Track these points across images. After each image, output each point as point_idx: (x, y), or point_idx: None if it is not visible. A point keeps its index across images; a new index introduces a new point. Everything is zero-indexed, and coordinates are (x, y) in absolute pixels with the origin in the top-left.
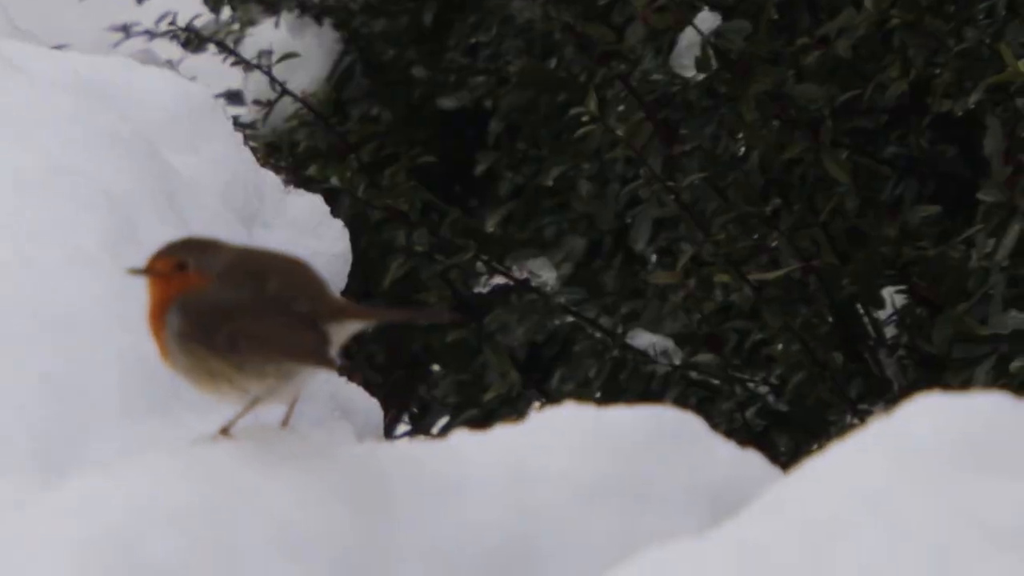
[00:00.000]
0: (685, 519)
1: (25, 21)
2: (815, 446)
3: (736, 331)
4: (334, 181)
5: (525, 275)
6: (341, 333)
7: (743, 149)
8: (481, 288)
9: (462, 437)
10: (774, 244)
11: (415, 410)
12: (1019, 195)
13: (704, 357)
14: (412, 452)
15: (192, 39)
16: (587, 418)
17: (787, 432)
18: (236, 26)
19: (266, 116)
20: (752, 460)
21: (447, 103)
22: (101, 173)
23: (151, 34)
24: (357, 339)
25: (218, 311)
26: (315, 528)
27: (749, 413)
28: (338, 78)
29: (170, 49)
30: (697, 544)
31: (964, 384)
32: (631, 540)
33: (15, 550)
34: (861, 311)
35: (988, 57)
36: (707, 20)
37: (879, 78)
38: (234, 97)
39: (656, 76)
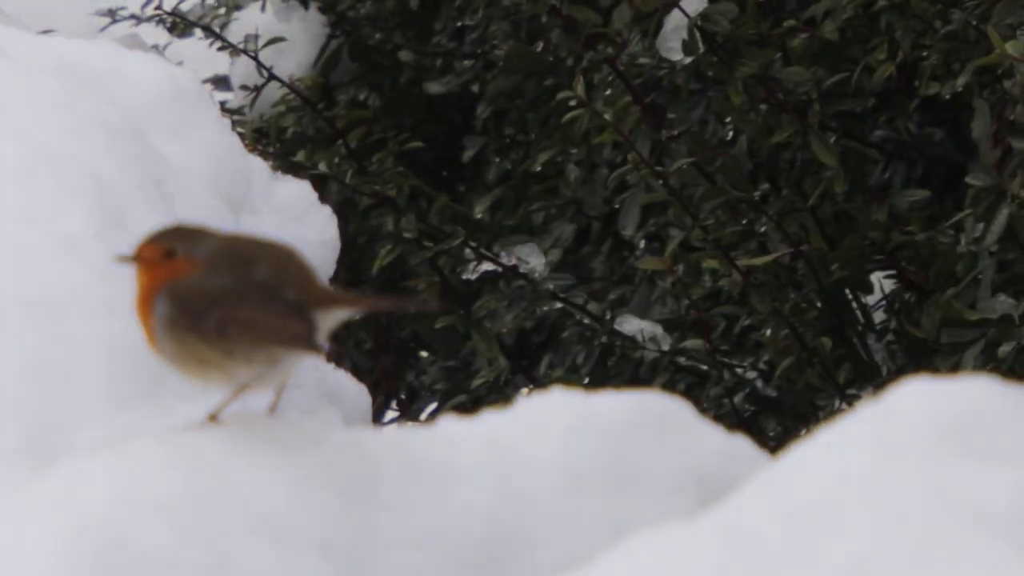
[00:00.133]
0: (673, 504)
1: (10, 5)
2: (803, 431)
3: (724, 316)
4: (322, 167)
5: (513, 261)
6: (329, 320)
7: (731, 133)
8: (469, 274)
9: (450, 423)
10: (762, 229)
11: (403, 396)
12: (1007, 179)
13: (692, 343)
14: (400, 438)
15: (178, 23)
16: (575, 404)
17: (775, 417)
18: (222, 10)
19: (253, 101)
20: (740, 445)
21: (434, 88)
22: (88, 159)
23: (137, 19)
24: (345, 325)
25: (206, 298)
26: (303, 514)
27: (737, 398)
28: (325, 63)
29: (156, 34)
30: (685, 529)
31: (953, 369)
32: (619, 525)
33: (2, 537)
34: (850, 296)
35: (975, 39)
36: (693, 2)
37: (866, 61)
38: (221, 82)
39: (643, 60)
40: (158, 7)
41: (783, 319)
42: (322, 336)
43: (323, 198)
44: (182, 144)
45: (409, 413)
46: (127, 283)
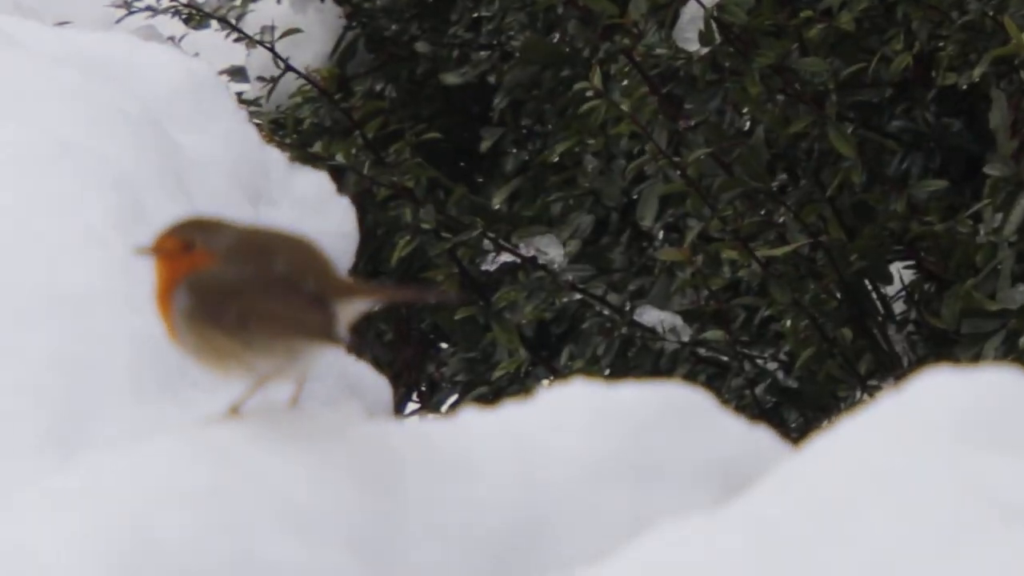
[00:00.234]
0: (696, 495)
1: None
2: (825, 422)
3: (744, 307)
4: (339, 158)
5: (532, 252)
6: (349, 311)
7: (748, 123)
8: (488, 265)
9: (471, 415)
10: (781, 219)
11: (424, 388)
12: None
13: (713, 334)
14: (422, 430)
15: (194, 15)
16: (596, 395)
17: (797, 408)
18: (238, 2)
19: (270, 93)
20: (762, 436)
21: (451, 79)
22: (107, 150)
23: (153, 10)
24: (365, 317)
25: (226, 290)
26: (326, 507)
27: (759, 389)
28: (341, 54)
29: (172, 25)
30: (709, 520)
31: (974, 359)
32: (641, 517)
33: (26, 530)
34: (869, 287)
35: (992, 30)
36: None
37: (883, 51)
38: (237, 74)
39: (660, 50)
40: None
41: (803, 310)
42: (342, 328)
43: (341, 189)
44: (200, 135)
45: (430, 405)
46: (147, 275)
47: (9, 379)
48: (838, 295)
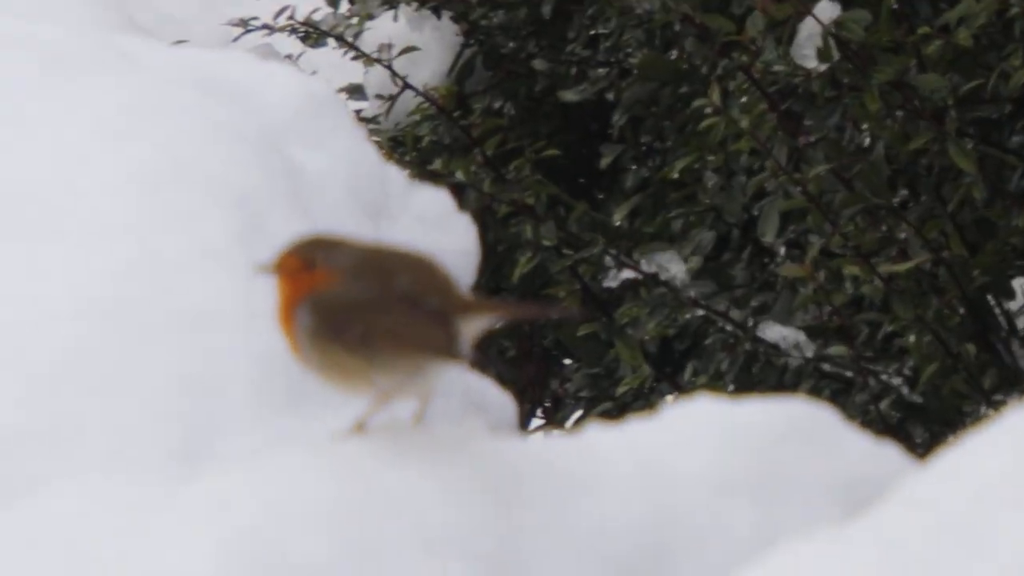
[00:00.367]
0: (822, 512)
1: (142, 17)
2: (950, 437)
3: (867, 323)
4: (459, 176)
5: (654, 268)
6: (471, 328)
7: (868, 140)
8: (610, 282)
9: (596, 432)
10: (903, 236)
11: (548, 404)
12: None
13: (836, 349)
14: (546, 447)
15: (311, 34)
16: (721, 411)
17: (922, 423)
18: (355, 20)
19: (388, 110)
20: (888, 452)
21: (569, 96)
22: (226, 168)
23: (270, 29)
24: (488, 335)
25: (349, 308)
26: (452, 524)
27: (883, 405)
28: (459, 71)
29: (289, 44)
30: (837, 537)
31: None
32: (768, 535)
33: (154, 549)
34: (992, 302)
35: None
36: (826, 10)
37: (1001, 67)
38: (356, 92)
39: (778, 67)
40: (291, 17)
41: (926, 325)
42: (465, 344)
43: (461, 206)
44: (319, 153)
45: (554, 421)
46: (268, 292)
47: (135, 396)
48: (961, 311)
